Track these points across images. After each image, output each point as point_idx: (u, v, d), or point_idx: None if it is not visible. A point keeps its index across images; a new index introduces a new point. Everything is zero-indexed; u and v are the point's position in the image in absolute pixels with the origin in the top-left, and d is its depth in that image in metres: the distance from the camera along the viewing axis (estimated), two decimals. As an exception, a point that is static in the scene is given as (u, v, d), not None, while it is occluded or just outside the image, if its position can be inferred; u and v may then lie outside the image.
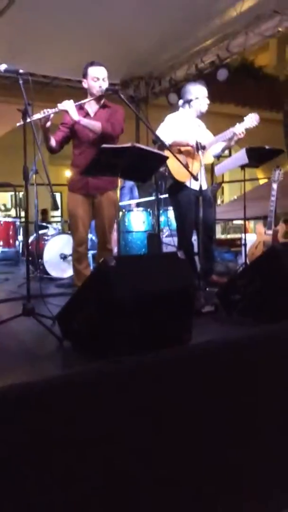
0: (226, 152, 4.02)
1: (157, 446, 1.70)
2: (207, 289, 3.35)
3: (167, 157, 2.97)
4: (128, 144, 2.64)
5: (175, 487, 1.73)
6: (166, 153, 3.07)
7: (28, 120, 2.63)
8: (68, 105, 3.00)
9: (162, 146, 3.32)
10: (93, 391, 1.61)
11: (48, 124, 2.96)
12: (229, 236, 9.13)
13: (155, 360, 1.79)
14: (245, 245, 4.15)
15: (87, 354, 1.94)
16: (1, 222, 5.75)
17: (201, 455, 1.82)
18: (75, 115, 3.02)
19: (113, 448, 1.60)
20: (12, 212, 9.81)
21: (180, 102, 3.77)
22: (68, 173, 10.79)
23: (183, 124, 3.66)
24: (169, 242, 4.84)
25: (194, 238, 3.86)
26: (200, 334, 2.12)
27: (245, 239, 4.20)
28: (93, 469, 1.55)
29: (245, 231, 4.85)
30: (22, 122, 2.65)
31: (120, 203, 5.17)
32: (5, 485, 1.39)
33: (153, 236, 4.93)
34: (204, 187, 3.53)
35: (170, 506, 1.71)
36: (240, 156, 3.74)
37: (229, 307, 2.71)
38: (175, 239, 4.00)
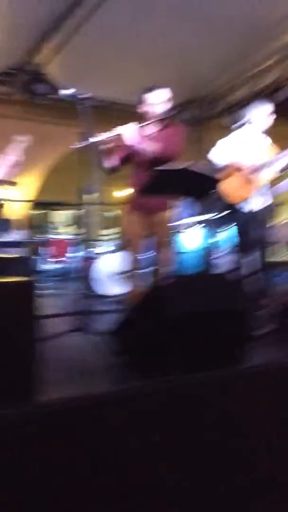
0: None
1: (204, 466, 1.66)
2: (261, 311, 3.26)
3: (218, 180, 2.95)
4: (181, 167, 2.66)
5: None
6: (222, 173, 3.06)
7: (89, 142, 2.71)
8: (127, 129, 3.06)
9: (216, 167, 3.31)
10: (145, 408, 1.60)
11: (107, 146, 3.03)
12: (285, 257, 8.88)
13: (206, 380, 1.75)
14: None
15: (140, 371, 1.93)
16: (55, 239, 5.91)
17: (253, 473, 1.75)
18: (131, 138, 3.06)
19: (162, 468, 1.57)
20: (67, 230, 10.08)
21: (240, 121, 3.74)
22: (119, 193, 11.00)
23: (241, 144, 3.62)
24: (224, 262, 4.79)
25: (250, 258, 3.79)
26: (253, 356, 2.07)
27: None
28: (144, 487, 1.53)
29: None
30: (82, 144, 2.73)
31: (176, 222, 5.19)
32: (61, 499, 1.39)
33: (207, 256, 4.90)
34: (260, 207, 3.48)
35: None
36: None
37: (284, 330, 2.63)
38: (230, 259, 3.95)
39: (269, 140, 3.72)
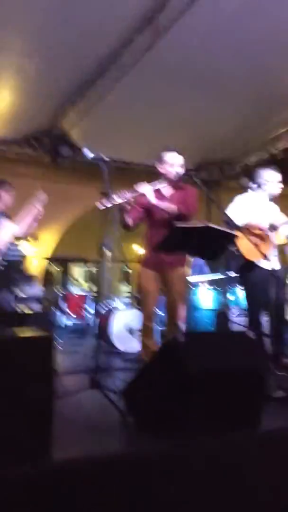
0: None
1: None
2: (278, 373, 3.20)
3: (236, 236, 3.01)
4: (202, 224, 2.73)
5: None
6: (236, 232, 3.12)
7: (109, 204, 2.83)
8: (146, 189, 3.18)
9: (233, 226, 3.38)
10: (155, 472, 1.55)
11: (127, 206, 3.14)
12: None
13: (223, 444, 1.71)
14: None
15: (150, 432, 1.89)
16: (74, 294, 5.96)
17: None
18: (152, 198, 3.18)
19: None
20: (84, 286, 10.16)
21: (251, 184, 3.86)
22: (135, 247, 11.12)
23: (253, 205, 3.72)
24: (238, 321, 4.75)
25: (265, 319, 3.77)
26: (270, 420, 2.02)
27: None
28: None
29: None
30: (104, 205, 2.85)
31: (190, 280, 5.22)
32: None
33: (222, 314, 4.88)
34: (277, 267, 3.50)
35: None
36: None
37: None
38: (244, 319, 3.92)
39: (276, 206, 3.83)
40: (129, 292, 7.41)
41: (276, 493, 1.77)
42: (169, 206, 3.22)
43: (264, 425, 1.95)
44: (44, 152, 7.16)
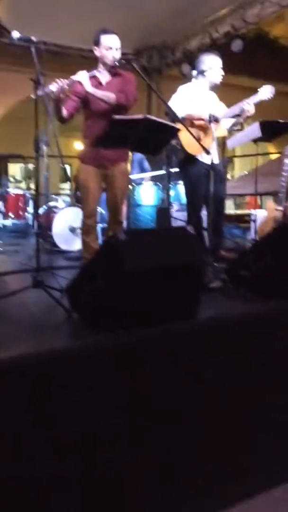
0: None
1: (154, 425, 1.73)
2: (215, 264, 3.34)
3: (179, 130, 2.92)
4: (140, 116, 2.60)
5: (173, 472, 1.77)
6: (178, 125, 3.03)
7: (41, 92, 2.60)
8: (82, 76, 2.95)
9: (175, 118, 3.27)
10: (97, 364, 1.63)
11: (61, 96, 2.92)
12: (238, 212, 9.06)
13: (162, 333, 1.80)
14: (254, 221, 4.12)
15: (95, 327, 1.96)
16: (12, 194, 5.75)
17: (203, 432, 1.85)
18: (89, 86, 2.97)
19: (110, 425, 1.62)
20: (22, 184, 9.79)
21: (194, 72, 3.69)
22: (78, 145, 10.68)
23: (196, 96, 3.59)
24: (179, 216, 4.83)
25: (204, 213, 3.84)
26: (207, 309, 2.13)
27: (255, 215, 4.16)
28: (89, 445, 1.58)
29: (255, 206, 4.81)
30: (35, 94, 2.62)
31: (130, 176, 5.14)
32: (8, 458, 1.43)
33: (163, 210, 4.92)
34: (216, 161, 3.49)
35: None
36: (254, 129, 3.68)
37: (237, 283, 2.71)
38: (185, 213, 3.97)
39: (216, 96, 3.71)
40: (69, 190, 7.24)
41: (213, 378, 1.94)
42: (106, 95, 3.03)
43: (200, 314, 2.07)
44: None
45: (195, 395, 1.83)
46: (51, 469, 1.48)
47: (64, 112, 3.08)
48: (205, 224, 3.87)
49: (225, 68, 3.69)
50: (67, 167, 9.10)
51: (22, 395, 1.49)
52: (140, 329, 1.72)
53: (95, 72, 3.09)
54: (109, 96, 3.03)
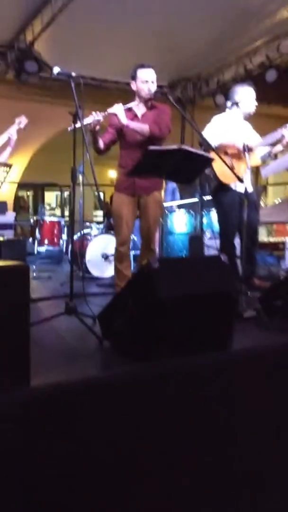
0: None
1: (187, 456, 1.68)
2: (249, 293, 3.29)
3: (212, 159, 2.94)
4: (175, 146, 2.64)
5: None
6: (212, 154, 3.05)
7: (79, 124, 2.69)
8: (117, 109, 3.03)
9: (208, 147, 3.30)
10: (130, 394, 1.60)
11: (98, 127, 3.01)
12: (272, 240, 8.95)
13: (194, 363, 1.77)
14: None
15: (126, 355, 1.95)
16: (47, 221, 5.88)
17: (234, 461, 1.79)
18: (124, 118, 3.05)
19: (143, 454, 1.59)
20: (57, 211, 10.01)
21: (228, 103, 3.73)
22: (112, 173, 10.88)
23: (230, 126, 3.61)
24: (211, 244, 4.80)
25: (237, 241, 3.81)
26: (241, 339, 2.10)
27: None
28: (120, 473, 1.54)
29: (285, 234, 4.74)
30: (73, 125, 2.71)
31: (165, 204, 5.18)
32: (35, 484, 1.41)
33: (195, 238, 4.91)
34: (250, 189, 3.48)
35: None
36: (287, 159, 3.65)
37: (271, 313, 2.66)
38: (218, 241, 3.95)
39: (250, 126, 3.73)
40: (103, 218, 7.35)
41: (247, 410, 1.88)
42: (140, 126, 3.10)
43: (234, 344, 2.03)
44: (7, 68, 6.69)
45: (223, 428, 1.78)
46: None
47: (101, 143, 3.16)
48: (238, 252, 3.84)
49: (259, 98, 3.72)
50: (101, 195, 9.26)
51: (50, 425, 1.48)
52: (173, 359, 1.69)
53: (131, 105, 3.17)
54: (143, 127, 3.09)
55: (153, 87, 3.12)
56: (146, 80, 3.12)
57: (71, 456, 1.49)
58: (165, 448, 1.63)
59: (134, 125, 3.10)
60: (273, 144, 3.59)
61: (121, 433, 1.62)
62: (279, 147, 3.55)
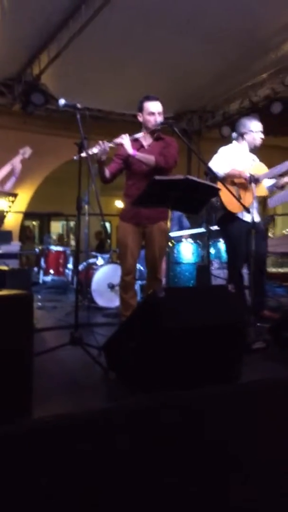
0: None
1: (197, 489, 1.61)
2: (258, 324, 3.23)
3: (219, 189, 2.94)
4: (181, 177, 2.64)
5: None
6: (219, 185, 3.05)
7: (85, 154, 2.71)
8: (124, 139, 3.06)
9: (215, 178, 3.30)
10: (135, 426, 1.55)
11: (104, 157, 3.03)
12: (280, 270, 8.89)
13: (202, 396, 1.71)
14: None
15: (132, 386, 1.89)
16: (52, 251, 5.89)
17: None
18: (130, 148, 3.07)
19: (146, 489, 1.52)
20: (63, 241, 10.03)
21: (234, 134, 3.76)
22: (118, 203, 10.95)
23: (236, 157, 3.63)
24: (219, 274, 4.76)
25: (245, 271, 3.77)
26: (250, 371, 2.03)
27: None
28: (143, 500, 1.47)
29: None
30: (78, 155, 2.73)
31: (169, 234, 5.17)
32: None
33: (203, 268, 4.87)
34: (257, 219, 3.47)
35: None
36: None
37: (281, 344, 2.59)
38: (225, 271, 3.91)
39: (256, 157, 3.75)
40: (109, 247, 7.36)
41: (253, 443, 1.80)
42: (146, 157, 3.12)
43: (244, 376, 1.97)
44: (14, 100, 6.84)
45: (230, 463, 1.70)
46: None
47: (107, 173, 3.18)
48: (246, 282, 3.79)
49: (265, 129, 3.74)
50: (107, 225, 9.30)
51: (52, 458, 1.42)
52: (179, 391, 1.63)
53: (138, 136, 3.20)
54: (149, 158, 3.11)
55: (159, 119, 3.16)
56: (153, 112, 3.15)
57: (71, 488, 1.41)
58: (168, 480, 1.56)
59: (140, 155, 3.12)
60: (280, 175, 3.60)
61: (122, 466, 1.54)
62: (286, 178, 3.56)
